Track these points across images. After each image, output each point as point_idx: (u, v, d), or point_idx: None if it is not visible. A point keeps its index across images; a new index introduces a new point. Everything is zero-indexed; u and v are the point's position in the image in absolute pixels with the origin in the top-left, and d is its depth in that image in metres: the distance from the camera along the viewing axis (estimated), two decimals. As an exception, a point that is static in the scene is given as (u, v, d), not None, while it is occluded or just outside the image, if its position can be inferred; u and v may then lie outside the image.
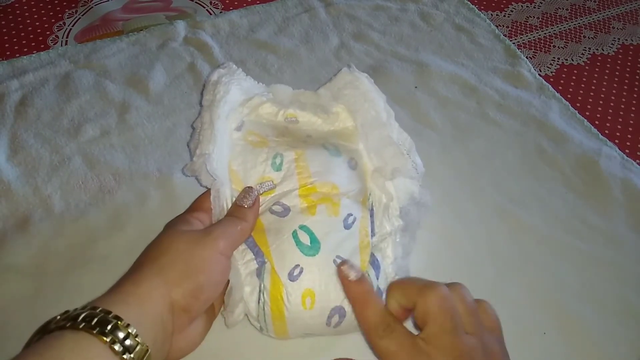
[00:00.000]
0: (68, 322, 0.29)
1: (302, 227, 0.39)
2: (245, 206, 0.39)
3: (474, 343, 0.32)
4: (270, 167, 0.42)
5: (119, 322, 0.30)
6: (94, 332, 0.29)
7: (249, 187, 0.41)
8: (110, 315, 0.30)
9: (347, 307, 0.38)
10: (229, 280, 0.38)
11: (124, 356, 0.29)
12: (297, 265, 0.38)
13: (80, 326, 0.29)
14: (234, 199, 0.41)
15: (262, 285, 0.38)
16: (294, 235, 0.39)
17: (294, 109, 0.47)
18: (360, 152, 0.46)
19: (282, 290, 0.37)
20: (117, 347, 0.29)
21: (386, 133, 0.44)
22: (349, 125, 0.47)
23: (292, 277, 0.37)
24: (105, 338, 0.29)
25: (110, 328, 0.29)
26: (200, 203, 0.41)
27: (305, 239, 0.39)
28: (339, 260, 0.38)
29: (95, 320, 0.29)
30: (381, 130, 0.44)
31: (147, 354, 0.30)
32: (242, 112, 0.46)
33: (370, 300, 0.34)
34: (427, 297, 0.32)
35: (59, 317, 0.30)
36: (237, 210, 0.39)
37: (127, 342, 0.29)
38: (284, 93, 0.48)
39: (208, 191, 0.41)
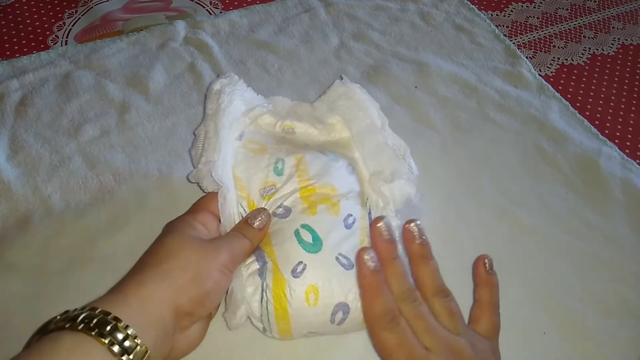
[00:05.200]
0: (67, 322, 0.29)
1: (304, 226, 0.40)
2: (255, 226, 0.39)
3: (463, 343, 0.34)
4: (273, 172, 0.43)
5: (118, 324, 0.30)
6: (93, 333, 0.29)
7: (263, 208, 0.41)
8: (109, 317, 0.30)
9: (351, 304, 0.38)
10: None
11: (123, 357, 0.29)
12: (300, 262, 0.38)
13: (79, 327, 0.29)
14: (239, 205, 0.42)
15: (265, 284, 0.38)
16: (296, 233, 0.39)
17: (290, 120, 0.48)
18: (357, 160, 0.46)
19: (284, 287, 0.37)
20: (115, 348, 0.29)
21: (381, 139, 0.45)
22: (345, 136, 0.48)
23: (295, 274, 0.38)
24: (103, 339, 0.29)
25: (109, 329, 0.29)
26: (204, 205, 0.41)
27: (307, 237, 0.39)
28: (341, 259, 0.39)
29: (95, 321, 0.29)
30: (376, 136, 0.45)
31: (146, 355, 0.30)
32: (244, 122, 0.47)
33: (382, 290, 0.35)
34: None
35: (58, 317, 0.30)
36: (245, 228, 0.39)
37: (126, 343, 0.29)
38: (283, 105, 0.49)
39: (211, 193, 0.42)
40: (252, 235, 0.39)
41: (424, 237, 0.38)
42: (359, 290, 0.37)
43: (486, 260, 0.40)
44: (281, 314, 0.38)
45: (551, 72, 0.67)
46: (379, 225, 0.37)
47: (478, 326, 0.37)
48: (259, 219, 0.40)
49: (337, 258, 0.39)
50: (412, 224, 0.38)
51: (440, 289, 0.37)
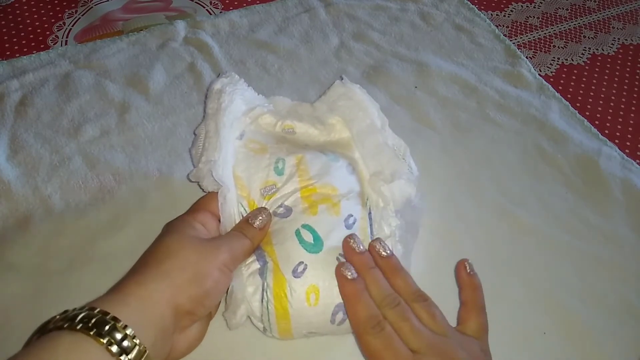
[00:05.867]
0: (66, 322, 0.29)
1: (304, 226, 0.40)
2: (255, 226, 0.39)
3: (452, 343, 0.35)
4: (273, 172, 0.43)
5: (117, 324, 0.30)
6: (91, 333, 0.29)
7: (264, 207, 0.41)
8: (108, 317, 0.30)
9: None
10: None
11: (121, 357, 0.29)
12: (301, 262, 0.38)
13: (78, 327, 0.29)
14: (239, 204, 0.42)
15: (265, 284, 0.38)
16: (297, 233, 0.39)
17: (291, 120, 0.48)
18: (357, 160, 0.47)
19: (285, 287, 0.37)
20: (114, 348, 0.29)
21: (381, 139, 0.45)
22: (345, 136, 0.48)
23: (296, 274, 0.38)
24: (102, 339, 0.29)
25: (108, 329, 0.29)
26: (204, 204, 0.41)
27: (308, 237, 0.39)
28: (342, 259, 0.39)
29: (93, 321, 0.29)
30: (376, 137, 0.46)
31: (145, 355, 0.30)
32: (245, 121, 0.47)
33: (363, 297, 0.36)
34: None
35: (57, 317, 0.30)
36: (246, 228, 0.39)
37: (125, 343, 0.29)
38: (283, 104, 0.49)
39: (211, 192, 0.42)
40: (253, 234, 0.39)
41: (388, 250, 0.39)
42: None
43: (466, 264, 0.41)
44: (282, 313, 0.38)
45: (551, 72, 0.67)
46: (349, 241, 0.39)
47: (466, 327, 0.38)
48: (260, 218, 0.40)
49: (337, 258, 0.39)
50: (375, 241, 0.40)
51: (417, 294, 0.37)
